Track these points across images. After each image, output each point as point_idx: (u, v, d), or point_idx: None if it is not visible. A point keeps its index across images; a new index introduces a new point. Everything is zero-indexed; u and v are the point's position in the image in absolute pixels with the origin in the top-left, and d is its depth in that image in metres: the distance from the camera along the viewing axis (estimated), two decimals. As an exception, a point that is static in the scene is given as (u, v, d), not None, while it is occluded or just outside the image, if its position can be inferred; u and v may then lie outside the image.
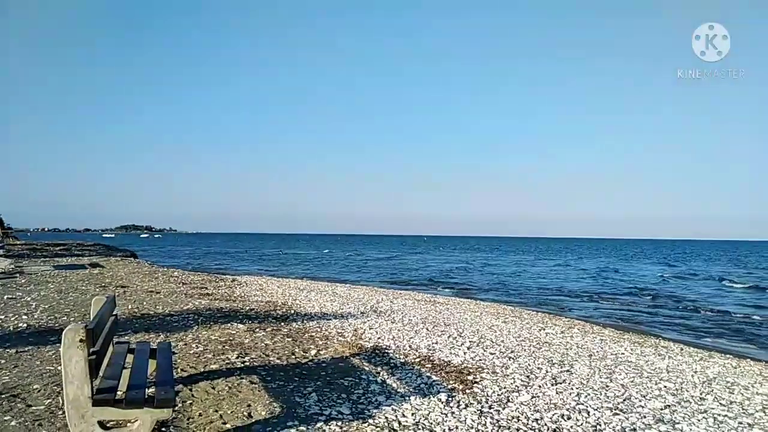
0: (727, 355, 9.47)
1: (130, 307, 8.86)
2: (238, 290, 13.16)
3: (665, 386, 5.96)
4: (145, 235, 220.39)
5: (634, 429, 4.30)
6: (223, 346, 6.10)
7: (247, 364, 5.40)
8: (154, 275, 15.47)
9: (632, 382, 6.04)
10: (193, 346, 6.03)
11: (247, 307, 9.69)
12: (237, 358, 5.59)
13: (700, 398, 5.55)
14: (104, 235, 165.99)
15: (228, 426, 3.66)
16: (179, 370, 4.94)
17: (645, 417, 4.65)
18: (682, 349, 9.51)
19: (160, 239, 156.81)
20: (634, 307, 18.42)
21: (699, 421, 4.69)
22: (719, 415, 4.94)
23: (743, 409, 5.24)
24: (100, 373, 3.20)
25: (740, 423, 4.73)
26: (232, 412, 3.91)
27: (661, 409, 4.95)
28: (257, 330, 7.25)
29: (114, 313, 4.19)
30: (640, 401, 5.18)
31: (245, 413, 3.91)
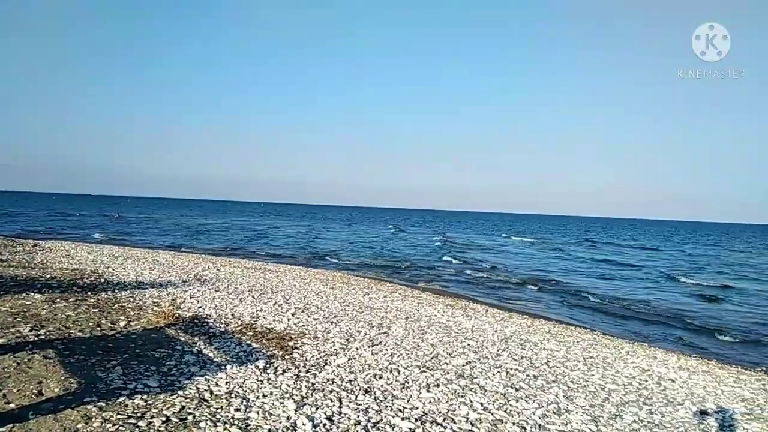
0: (524, 316, 10.77)
1: None
2: (40, 256, 11.72)
3: (469, 344, 6.60)
4: None
5: (438, 384, 4.70)
6: (14, 319, 5.40)
7: (43, 337, 4.84)
8: (-71, 239, 13.12)
9: (441, 341, 6.58)
10: (-24, 319, 5.26)
11: (48, 275, 8.67)
12: (30, 331, 4.98)
13: (497, 354, 6.25)
14: None
15: (12, 405, 3.26)
16: (-47, 347, 4.28)
17: (448, 373, 5.10)
18: (487, 311, 10.60)
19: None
20: (457, 272, 20.03)
21: (494, 375, 5.27)
22: (511, 369, 5.61)
23: (531, 363, 6.01)
24: None
25: (527, 375, 5.43)
26: (18, 391, 3.49)
27: (463, 366, 5.48)
28: (58, 300, 6.53)
29: None
30: (445, 359, 5.68)
31: (35, 391, 3.52)
